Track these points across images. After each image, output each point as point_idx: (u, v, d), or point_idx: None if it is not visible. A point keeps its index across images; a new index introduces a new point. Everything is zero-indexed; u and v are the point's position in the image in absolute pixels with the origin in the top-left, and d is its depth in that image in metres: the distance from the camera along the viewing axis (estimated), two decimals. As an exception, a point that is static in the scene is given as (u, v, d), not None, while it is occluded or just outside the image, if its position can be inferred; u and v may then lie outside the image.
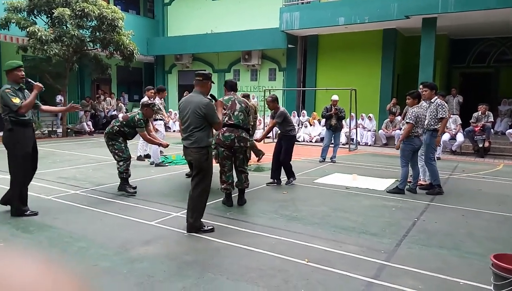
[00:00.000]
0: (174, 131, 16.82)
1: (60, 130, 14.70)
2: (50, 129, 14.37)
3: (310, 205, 5.46)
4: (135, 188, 6.17)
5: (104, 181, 6.78)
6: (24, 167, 4.75)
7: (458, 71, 16.77)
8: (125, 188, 5.87)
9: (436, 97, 6.38)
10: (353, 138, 12.74)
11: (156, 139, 6.32)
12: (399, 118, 13.59)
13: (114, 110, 16.77)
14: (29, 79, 4.87)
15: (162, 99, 9.08)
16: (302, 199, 5.81)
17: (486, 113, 10.67)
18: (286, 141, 6.38)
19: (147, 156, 9.18)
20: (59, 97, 15.94)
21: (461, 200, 5.92)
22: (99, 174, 7.44)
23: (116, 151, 5.82)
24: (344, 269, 3.35)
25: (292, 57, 16.44)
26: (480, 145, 10.62)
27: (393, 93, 14.66)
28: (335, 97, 9.42)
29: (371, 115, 13.82)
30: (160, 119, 8.84)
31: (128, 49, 13.82)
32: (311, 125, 14.24)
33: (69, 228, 4.37)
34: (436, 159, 6.54)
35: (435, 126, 6.32)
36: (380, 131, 13.35)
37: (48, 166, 8.18)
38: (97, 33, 13.45)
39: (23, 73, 4.70)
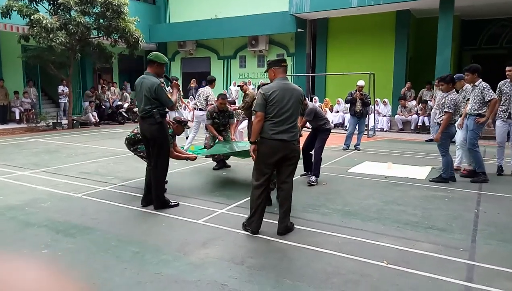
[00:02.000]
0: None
1: (65, 122, 14.26)
2: (55, 121, 13.90)
3: (357, 198, 5.18)
4: (166, 182, 5.85)
5: (130, 175, 6.45)
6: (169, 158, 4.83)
7: (470, 54, 16.45)
8: None
9: (480, 80, 6.07)
10: (369, 124, 12.43)
11: (182, 154, 5.88)
12: (413, 102, 13.35)
13: (119, 100, 16.30)
14: (168, 76, 5.00)
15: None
16: (346, 191, 5.52)
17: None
18: (322, 134, 6.03)
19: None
20: (60, 88, 15.47)
21: (511, 188, 5.68)
22: (121, 167, 7.10)
23: (142, 153, 5.40)
24: (431, 272, 3.08)
25: (301, 41, 16.03)
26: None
27: (407, 77, 14.36)
28: (361, 82, 9.09)
29: (386, 100, 13.52)
30: (202, 109, 8.47)
31: (134, 36, 13.32)
32: (324, 112, 13.87)
33: (112, 229, 4.05)
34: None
35: (479, 111, 6.02)
36: (397, 116, 13.08)
37: (65, 160, 7.82)
38: (101, 20, 12.93)
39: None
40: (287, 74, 4.04)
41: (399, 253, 3.46)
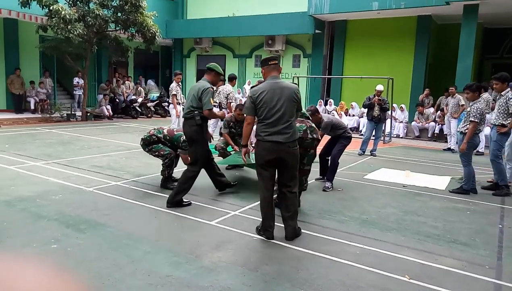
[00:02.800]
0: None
1: (78, 113, 14.29)
2: (69, 112, 13.93)
3: (375, 206, 5.01)
4: (176, 180, 5.74)
5: (143, 171, 6.37)
6: (203, 159, 4.81)
7: (491, 62, 16.09)
8: (165, 185, 5.44)
9: (508, 89, 5.84)
10: (385, 130, 12.20)
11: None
12: (431, 110, 13.07)
13: (133, 95, 16.29)
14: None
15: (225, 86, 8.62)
16: (363, 198, 5.36)
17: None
18: (342, 139, 5.84)
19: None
20: (76, 80, 15.52)
21: (534, 203, 5.46)
22: (134, 163, 7.03)
23: (157, 153, 5.35)
24: (456, 290, 2.91)
25: (318, 43, 15.83)
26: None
27: (425, 84, 14.08)
28: (380, 87, 8.89)
29: (403, 106, 13.26)
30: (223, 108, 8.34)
31: (151, 31, 13.28)
32: (339, 115, 13.69)
33: (124, 226, 3.96)
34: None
35: (503, 121, 5.80)
36: (413, 123, 12.81)
37: (77, 152, 7.78)
38: (119, 14, 12.91)
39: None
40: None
41: (421, 268, 3.30)
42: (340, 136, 5.81)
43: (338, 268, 3.24)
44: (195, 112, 4.56)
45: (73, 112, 14.10)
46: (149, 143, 5.37)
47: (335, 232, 4.05)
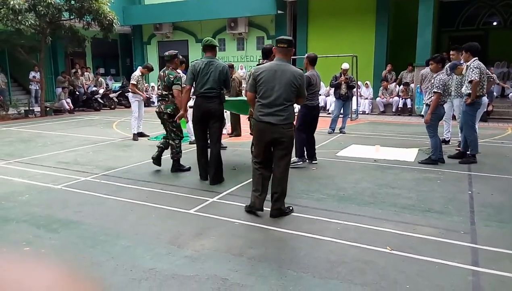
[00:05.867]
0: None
1: (37, 109, 13.64)
2: (27, 109, 13.27)
3: (350, 182, 5.09)
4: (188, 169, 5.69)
5: (112, 164, 6.16)
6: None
7: (448, 35, 16.57)
8: (179, 168, 5.61)
9: (474, 58, 5.94)
10: (352, 107, 12.38)
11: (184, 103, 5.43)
12: (394, 85, 13.38)
13: (94, 86, 15.68)
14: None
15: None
16: (337, 175, 5.42)
17: (492, 76, 10.47)
18: (301, 110, 5.88)
19: (141, 134, 8.59)
20: (32, 74, 14.76)
21: (498, 168, 5.71)
22: (102, 156, 6.78)
23: (175, 129, 5.48)
24: (436, 257, 3.01)
25: (281, 24, 15.72)
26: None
27: (387, 60, 14.34)
28: (345, 66, 8.96)
29: (368, 82, 13.48)
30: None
31: (108, 18, 12.74)
32: (305, 95, 13.74)
33: (99, 223, 3.82)
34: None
35: (470, 91, 5.97)
36: (378, 99, 13.08)
37: (40, 150, 7.43)
38: (73, 2, 12.28)
39: None
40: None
41: (401, 238, 3.38)
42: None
43: (321, 246, 3.26)
44: (222, 91, 4.85)
45: (31, 108, 13.44)
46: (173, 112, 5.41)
47: (314, 210, 4.08)
